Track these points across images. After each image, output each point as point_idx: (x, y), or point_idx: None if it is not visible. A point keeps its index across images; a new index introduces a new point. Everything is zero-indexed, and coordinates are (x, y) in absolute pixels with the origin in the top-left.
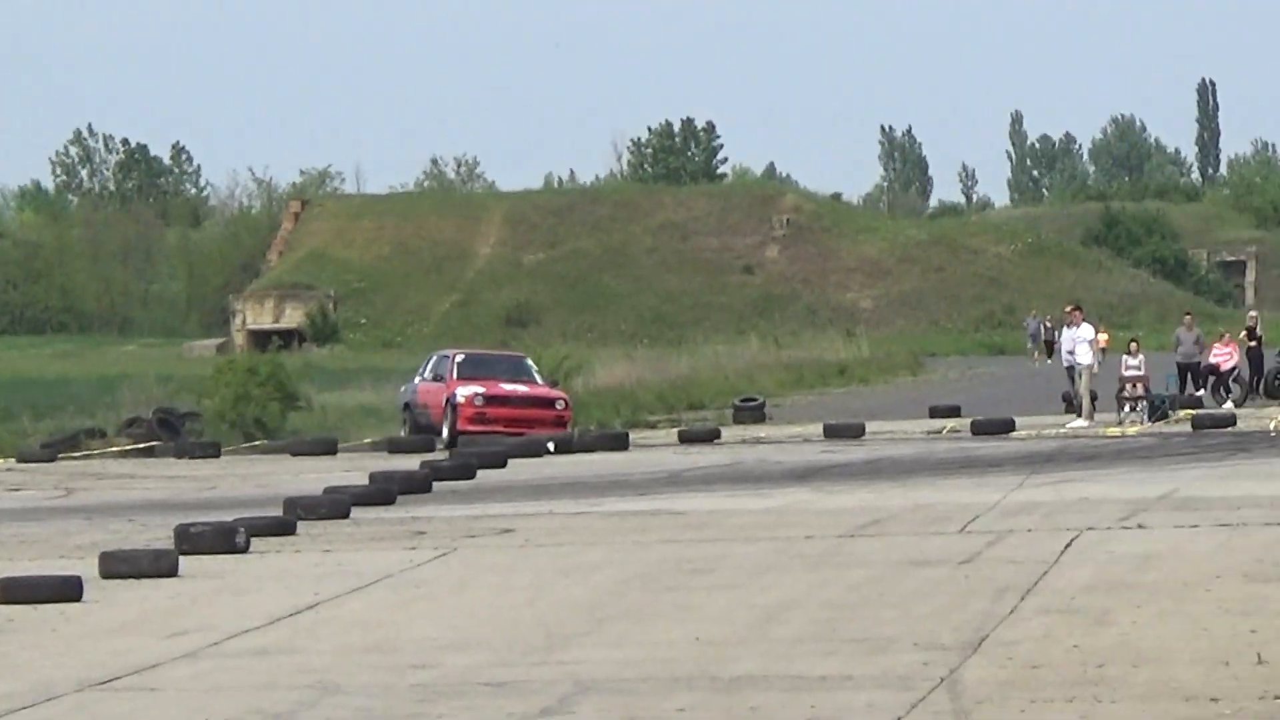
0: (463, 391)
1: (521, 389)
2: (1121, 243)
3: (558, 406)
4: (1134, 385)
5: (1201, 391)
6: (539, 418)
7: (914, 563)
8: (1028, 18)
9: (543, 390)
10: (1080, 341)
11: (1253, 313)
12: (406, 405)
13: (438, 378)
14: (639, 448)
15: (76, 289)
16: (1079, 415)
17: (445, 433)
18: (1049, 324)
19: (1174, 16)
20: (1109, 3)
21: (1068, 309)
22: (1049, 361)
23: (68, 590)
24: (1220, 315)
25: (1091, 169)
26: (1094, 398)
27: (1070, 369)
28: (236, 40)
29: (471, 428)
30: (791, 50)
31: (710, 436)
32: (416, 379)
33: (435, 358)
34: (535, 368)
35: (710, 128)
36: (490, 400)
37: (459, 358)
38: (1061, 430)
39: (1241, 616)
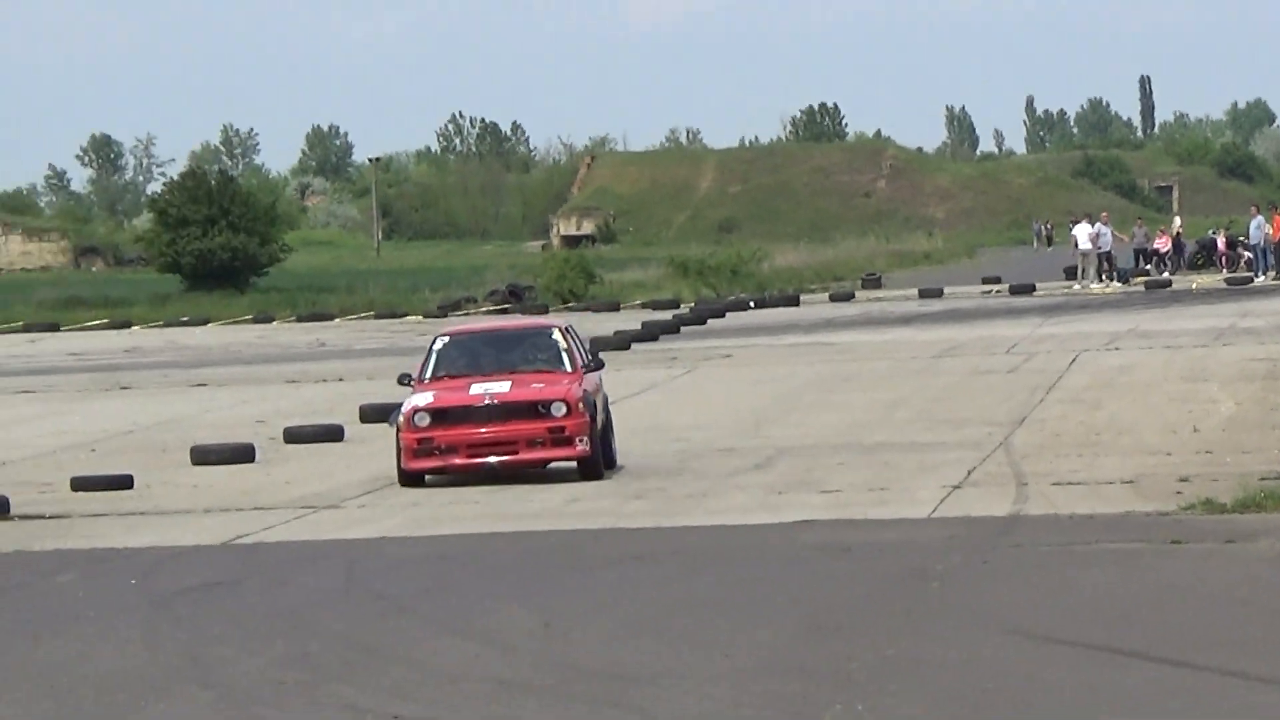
0: (405, 407)
1: (498, 389)
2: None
3: (555, 414)
4: (1107, 260)
5: (1149, 266)
6: (523, 435)
7: (979, 372)
8: None
9: (533, 391)
10: (1084, 235)
11: (1177, 218)
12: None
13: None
14: (805, 305)
15: (453, 212)
16: (1077, 281)
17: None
18: (1049, 226)
19: None
20: None
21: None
22: (1048, 250)
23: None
24: (1153, 219)
25: None
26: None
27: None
28: (560, 43)
29: (418, 464)
30: None
31: (848, 297)
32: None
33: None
34: (566, 344)
35: None
36: (440, 417)
37: (439, 344)
38: (1065, 291)
39: (1182, 403)
